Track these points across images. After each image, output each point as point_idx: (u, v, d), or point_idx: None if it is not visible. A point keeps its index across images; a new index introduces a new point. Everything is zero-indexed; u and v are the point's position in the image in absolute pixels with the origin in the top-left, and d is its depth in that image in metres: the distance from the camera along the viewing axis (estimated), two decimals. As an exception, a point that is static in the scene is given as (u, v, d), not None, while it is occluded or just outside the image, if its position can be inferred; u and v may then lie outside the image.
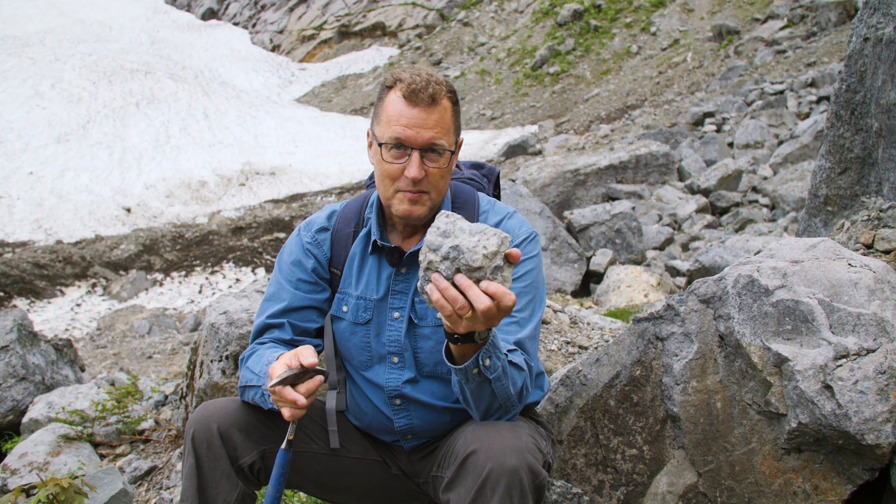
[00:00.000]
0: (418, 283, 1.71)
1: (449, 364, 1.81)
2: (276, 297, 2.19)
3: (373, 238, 2.15)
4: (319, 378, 1.83)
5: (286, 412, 1.82)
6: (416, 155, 1.98)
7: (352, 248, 2.19)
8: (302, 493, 3.08)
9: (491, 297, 1.62)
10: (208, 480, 2.00)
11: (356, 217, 2.23)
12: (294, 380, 1.80)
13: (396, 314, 2.12)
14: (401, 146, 1.99)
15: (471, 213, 2.17)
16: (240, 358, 2.18)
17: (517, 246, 2.08)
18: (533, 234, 2.13)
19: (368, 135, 2.14)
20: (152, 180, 23.54)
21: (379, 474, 2.23)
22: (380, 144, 2.01)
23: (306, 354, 1.83)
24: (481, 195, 2.25)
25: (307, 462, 2.13)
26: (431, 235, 1.68)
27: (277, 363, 1.85)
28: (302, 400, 1.79)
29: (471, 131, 26.51)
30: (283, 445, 1.92)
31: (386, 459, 2.24)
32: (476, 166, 2.47)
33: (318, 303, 2.19)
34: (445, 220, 1.71)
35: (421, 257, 1.69)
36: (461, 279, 1.63)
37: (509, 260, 1.66)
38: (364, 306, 2.14)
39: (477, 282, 1.64)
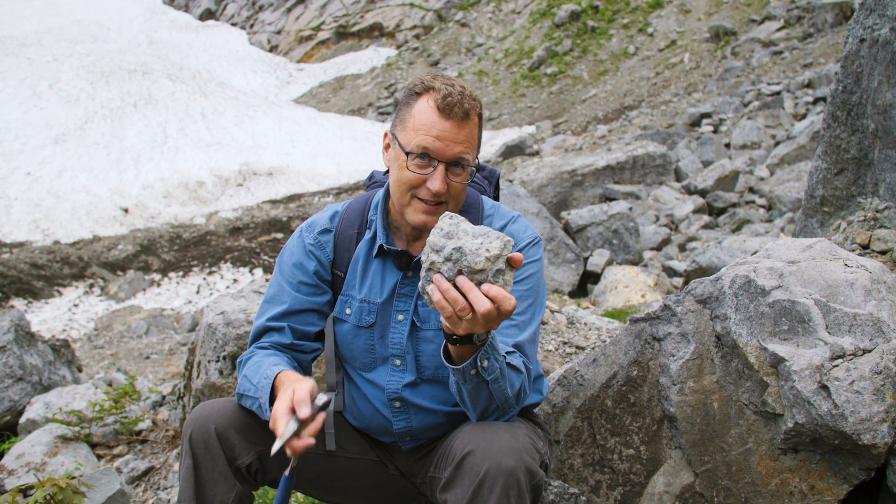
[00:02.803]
0: (420, 284, 1.70)
1: (447, 364, 1.81)
2: (277, 299, 2.17)
3: (378, 242, 2.13)
4: (323, 415, 1.79)
5: (293, 449, 1.76)
6: (441, 168, 1.96)
7: (356, 250, 2.18)
8: (299, 493, 3.08)
9: (492, 300, 1.62)
10: (206, 481, 1.99)
11: (359, 219, 2.21)
12: (300, 430, 1.75)
13: (400, 317, 2.11)
14: (426, 157, 1.96)
15: (475, 216, 2.16)
16: (238, 360, 2.17)
17: (521, 250, 2.08)
18: (536, 239, 2.13)
19: (386, 135, 2.10)
20: (150, 181, 23.52)
21: (376, 475, 2.23)
22: (406, 153, 1.97)
23: (304, 400, 1.75)
24: (485, 198, 2.24)
25: (305, 463, 2.12)
26: (435, 236, 1.68)
27: (280, 408, 1.76)
28: (311, 442, 1.74)
29: (468, 132, 26.47)
30: (287, 473, 1.87)
31: (383, 460, 2.24)
32: (477, 168, 2.47)
33: (318, 306, 2.17)
34: (449, 221, 1.70)
35: (423, 257, 1.69)
36: (463, 281, 1.63)
37: (511, 264, 1.66)
38: (368, 310, 2.13)
39: (478, 284, 1.64)
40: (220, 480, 1.99)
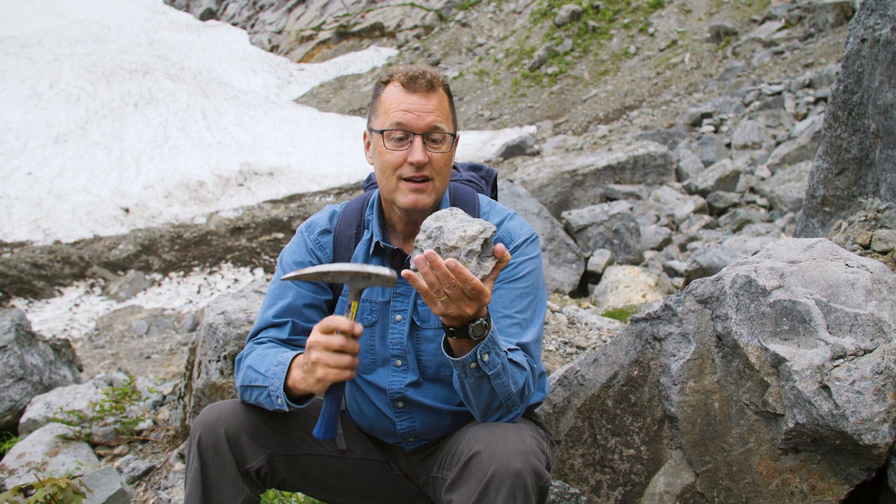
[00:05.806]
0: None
1: (447, 357, 1.82)
2: (279, 294, 2.17)
3: (375, 240, 2.14)
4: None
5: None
6: (418, 140, 2.00)
7: (354, 250, 2.19)
8: (300, 494, 3.08)
9: (452, 272, 1.65)
10: (213, 486, 1.97)
11: (357, 219, 2.22)
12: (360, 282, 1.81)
13: (399, 317, 2.11)
14: (402, 134, 2.01)
15: (471, 213, 2.18)
16: (237, 358, 2.16)
17: (517, 246, 2.09)
18: (533, 235, 2.14)
19: (365, 135, 2.15)
20: (150, 180, 23.50)
21: (381, 475, 2.22)
22: (381, 132, 2.02)
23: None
24: (481, 196, 2.26)
25: (313, 464, 2.12)
26: (427, 220, 1.77)
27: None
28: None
29: (469, 132, 26.49)
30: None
31: (387, 460, 2.24)
32: (474, 168, 2.48)
33: (319, 302, 2.17)
34: (448, 211, 1.79)
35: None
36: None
37: (495, 254, 1.71)
38: (370, 309, 2.14)
39: None
40: (228, 485, 1.97)
